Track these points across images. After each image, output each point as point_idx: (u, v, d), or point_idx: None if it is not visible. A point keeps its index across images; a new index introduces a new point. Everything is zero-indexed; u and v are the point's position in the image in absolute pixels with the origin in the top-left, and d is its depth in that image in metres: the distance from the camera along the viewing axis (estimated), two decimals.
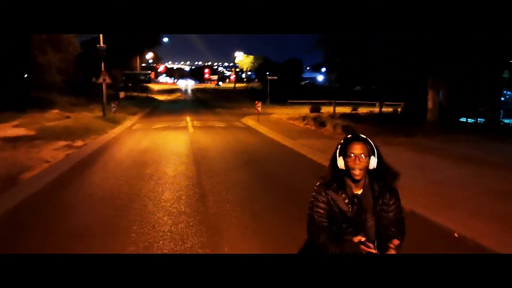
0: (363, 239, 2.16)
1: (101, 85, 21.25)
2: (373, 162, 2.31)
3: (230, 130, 18.58)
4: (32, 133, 14.58)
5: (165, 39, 61.59)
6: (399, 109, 23.01)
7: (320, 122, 18.74)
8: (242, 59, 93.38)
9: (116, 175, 9.20)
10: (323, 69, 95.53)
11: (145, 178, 8.79)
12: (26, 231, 5.67)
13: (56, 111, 21.53)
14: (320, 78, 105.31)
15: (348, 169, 2.32)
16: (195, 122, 21.87)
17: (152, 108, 35.66)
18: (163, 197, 7.34)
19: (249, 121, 22.40)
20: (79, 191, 7.81)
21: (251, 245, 5.10)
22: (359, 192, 2.36)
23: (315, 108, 26.58)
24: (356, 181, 2.34)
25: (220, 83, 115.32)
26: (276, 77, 42.17)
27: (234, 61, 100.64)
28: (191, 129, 18.58)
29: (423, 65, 15.68)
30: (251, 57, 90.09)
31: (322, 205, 2.38)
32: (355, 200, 2.34)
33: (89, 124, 17.42)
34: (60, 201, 7.16)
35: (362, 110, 27.29)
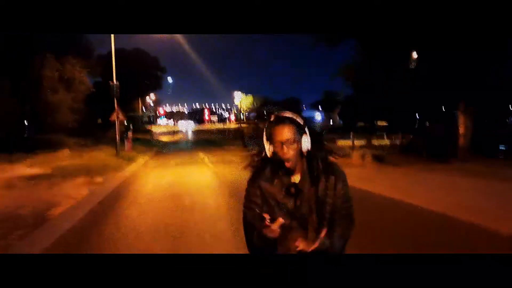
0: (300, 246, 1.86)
1: (108, 126, 20.63)
2: (306, 144, 1.92)
3: None
4: (48, 171, 13.77)
5: (170, 80, 60.86)
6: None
7: (343, 154, 18.08)
8: (241, 99, 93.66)
9: (152, 208, 8.39)
10: (320, 108, 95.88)
11: (187, 210, 7.97)
12: None
13: (67, 150, 20.73)
14: (318, 116, 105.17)
15: (277, 157, 1.90)
16: (211, 158, 21.11)
17: (161, 148, 34.97)
18: (218, 228, 6.51)
19: None
20: (119, 226, 6.94)
21: None
22: (297, 179, 1.95)
23: (331, 142, 25.92)
24: (289, 170, 1.93)
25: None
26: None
27: (233, 101, 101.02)
28: (210, 164, 17.83)
29: (454, 89, 15.16)
30: (250, 97, 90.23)
31: (256, 199, 1.99)
32: (293, 189, 1.92)
33: (104, 162, 16.66)
34: (101, 237, 6.29)
35: (376, 142, 26.63)
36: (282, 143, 1.87)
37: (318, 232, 1.89)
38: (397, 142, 22.57)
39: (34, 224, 6.68)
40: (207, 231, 6.35)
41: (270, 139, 1.92)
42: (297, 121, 1.92)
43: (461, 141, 15.64)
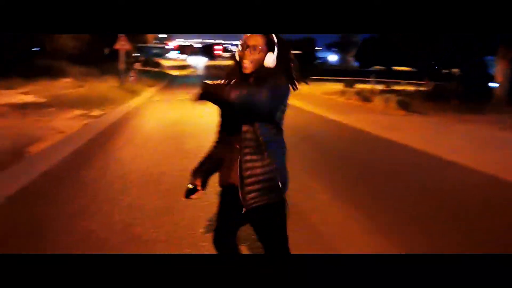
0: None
1: (116, 56, 19.23)
2: (269, 60, 1.93)
3: None
4: (42, 100, 12.65)
5: None
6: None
7: (364, 97, 16.69)
8: None
9: (149, 150, 7.27)
10: (336, 49, 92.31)
11: (189, 156, 6.79)
12: (33, 231, 3.71)
13: (68, 79, 19.46)
14: (333, 58, 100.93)
15: (241, 61, 1.97)
16: None
17: (169, 81, 33.62)
18: None
19: None
20: (105, 171, 5.83)
21: None
22: None
23: (350, 84, 24.32)
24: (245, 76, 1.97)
25: None
26: (299, 51, 39.76)
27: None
28: None
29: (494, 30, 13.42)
30: None
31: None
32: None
33: (105, 93, 15.43)
34: (82, 184, 5.17)
35: (395, 87, 25.04)
36: (248, 47, 1.94)
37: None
38: (422, 88, 20.96)
39: (4, 163, 5.59)
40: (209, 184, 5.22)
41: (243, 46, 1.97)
42: (271, 37, 1.96)
43: (498, 90, 14.12)
